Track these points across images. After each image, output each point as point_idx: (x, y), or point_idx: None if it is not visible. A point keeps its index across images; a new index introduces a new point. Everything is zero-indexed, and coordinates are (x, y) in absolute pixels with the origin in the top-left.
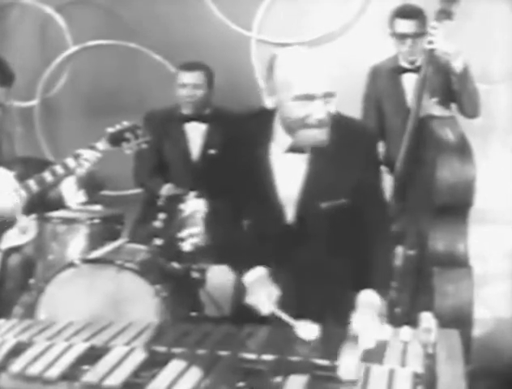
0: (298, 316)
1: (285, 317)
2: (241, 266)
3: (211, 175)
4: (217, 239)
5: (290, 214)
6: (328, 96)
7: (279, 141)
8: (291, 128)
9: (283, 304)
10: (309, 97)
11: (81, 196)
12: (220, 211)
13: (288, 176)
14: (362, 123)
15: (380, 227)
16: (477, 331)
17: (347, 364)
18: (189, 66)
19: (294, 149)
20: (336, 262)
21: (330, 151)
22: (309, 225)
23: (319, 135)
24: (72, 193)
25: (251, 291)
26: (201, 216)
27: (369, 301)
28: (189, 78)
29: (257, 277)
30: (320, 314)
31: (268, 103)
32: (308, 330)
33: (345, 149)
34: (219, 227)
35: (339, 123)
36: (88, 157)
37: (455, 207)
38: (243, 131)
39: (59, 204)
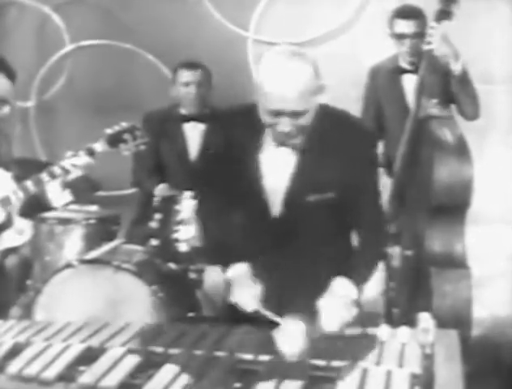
0: (283, 311)
1: (270, 315)
2: (229, 263)
3: (205, 173)
4: (207, 237)
5: (277, 208)
6: (296, 114)
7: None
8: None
9: (268, 298)
10: (276, 112)
11: (67, 196)
12: (210, 209)
13: (278, 169)
14: (359, 120)
15: (369, 225)
16: (475, 332)
17: (292, 342)
18: (191, 65)
19: (283, 144)
20: (321, 256)
21: (322, 144)
22: (295, 219)
23: (289, 141)
24: (57, 194)
25: (234, 289)
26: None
27: (341, 288)
28: (191, 76)
29: (239, 274)
30: (306, 307)
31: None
32: (290, 344)
33: (338, 144)
34: (208, 225)
35: (331, 117)
36: (78, 163)
37: (453, 207)
38: (235, 126)
39: (46, 206)
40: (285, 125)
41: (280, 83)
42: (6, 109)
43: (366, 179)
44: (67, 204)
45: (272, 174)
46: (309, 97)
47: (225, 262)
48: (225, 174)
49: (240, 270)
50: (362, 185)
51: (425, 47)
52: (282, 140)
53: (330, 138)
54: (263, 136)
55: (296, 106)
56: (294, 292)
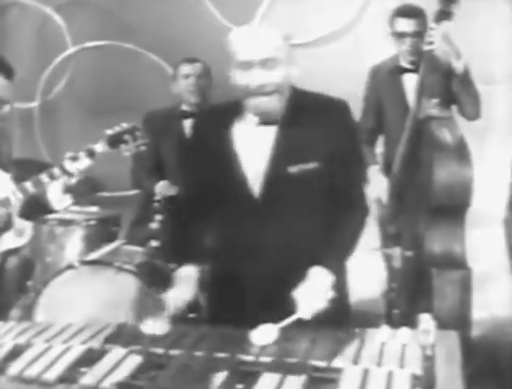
0: (267, 299)
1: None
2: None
3: (183, 164)
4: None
5: (257, 187)
6: (267, 62)
7: (250, 118)
8: (243, 98)
9: (251, 284)
10: (246, 64)
11: (67, 200)
12: (186, 211)
13: (255, 150)
14: (331, 95)
15: (346, 201)
16: (475, 332)
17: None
18: (191, 59)
19: (263, 122)
20: (306, 237)
21: (299, 118)
22: (276, 196)
23: (267, 103)
24: (57, 197)
25: (173, 287)
26: None
27: (317, 275)
28: (191, 68)
29: (183, 275)
30: (288, 291)
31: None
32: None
33: (315, 116)
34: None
35: (304, 95)
36: (78, 164)
37: (453, 208)
38: (210, 117)
39: (47, 208)
40: (258, 78)
41: (250, 34)
42: (6, 109)
43: (346, 147)
44: (67, 207)
45: (251, 156)
46: (279, 51)
47: (184, 260)
48: (204, 165)
49: (187, 271)
50: (343, 154)
51: (426, 47)
52: (259, 104)
53: (306, 112)
54: (243, 121)
55: (266, 53)
56: (280, 277)
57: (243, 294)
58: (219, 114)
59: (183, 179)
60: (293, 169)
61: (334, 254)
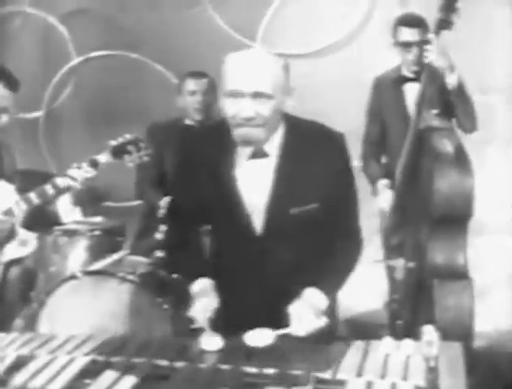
0: (265, 326)
1: (210, 334)
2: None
3: (176, 188)
4: (176, 260)
5: (258, 223)
6: (259, 96)
7: (242, 149)
8: (231, 127)
9: (246, 312)
10: (237, 94)
11: (76, 213)
12: (181, 230)
13: (255, 183)
14: (326, 127)
15: (343, 233)
16: (478, 343)
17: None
18: (197, 74)
19: (255, 155)
20: (304, 271)
21: (296, 155)
22: (277, 233)
23: (251, 134)
24: (67, 209)
25: (192, 303)
26: None
27: (311, 295)
28: (198, 85)
29: (200, 288)
30: (283, 317)
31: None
32: (211, 341)
33: (311, 153)
34: (179, 248)
35: (300, 127)
36: (76, 176)
37: (454, 218)
38: (201, 144)
39: (55, 220)
40: (247, 109)
41: (244, 63)
42: (5, 118)
43: (345, 185)
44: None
45: (250, 189)
46: (273, 85)
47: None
48: (199, 193)
49: (202, 283)
50: (342, 192)
51: (424, 59)
52: (243, 133)
53: (303, 148)
54: (237, 152)
55: (259, 87)
56: (276, 306)
57: (235, 324)
58: (219, 133)
59: (179, 194)
60: (294, 211)
61: (329, 281)
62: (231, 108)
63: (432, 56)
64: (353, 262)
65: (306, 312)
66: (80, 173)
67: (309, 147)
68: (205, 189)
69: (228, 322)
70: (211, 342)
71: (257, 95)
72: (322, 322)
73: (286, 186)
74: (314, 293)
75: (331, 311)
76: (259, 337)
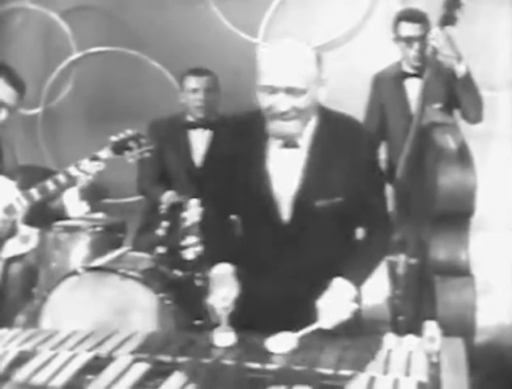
0: (284, 315)
1: (224, 326)
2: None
3: (210, 181)
4: (210, 244)
5: (285, 212)
6: (292, 91)
7: (274, 140)
8: (266, 119)
9: (270, 302)
10: (271, 89)
11: (84, 207)
12: (215, 216)
13: (285, 173)
14: (359, 122)
15: (374, 224)
16: (480, 339)
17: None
18: (198, 71)
19: (286, 145)
20: (326, 259)
21: (326, 148)
22: (303, 223)
23: (286, 128)
24: (74, 204)
25: (212, 288)
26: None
27: (340, 286)
28: (200, 82)
29: (220, 274)
30: (308, 308)
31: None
32: (224, 337)
33: (342, 147)
34: (213, 232)
35: (333, 120)
36: (88, 169)
37: (456, 215)
38: (240, 134)
39: (61, 214)
40: (282, 104)
41: (279, 58)
42: (3, 115)
43: (372, 181)
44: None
45: (279, 180)
46: (307, 79)
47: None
48: (231, 182)
49: (222, 269)
50: (368, 188)
51: (429, 52)
52: (278, 127)
53: (334, 141)
54: (268, 142)
55: (293, 82)
56: (297, 295)
57: (257, 312)
58: (246, 126)
59: (210, 188)
60: (320, 203)
61: (359, 270)
62: (266, 101)
63: (440, 47)
64: (385, 251)
65: (335, 304)
66: (92, 166)
67: (340, 140)
68: (237, 178)
69: (248, 313)
70: (225, 337)
71: (290, 90)
72: (351, 311)
73: (313, 178)
74: (343, 283)
75: (357, 302)
76: (282, 343)
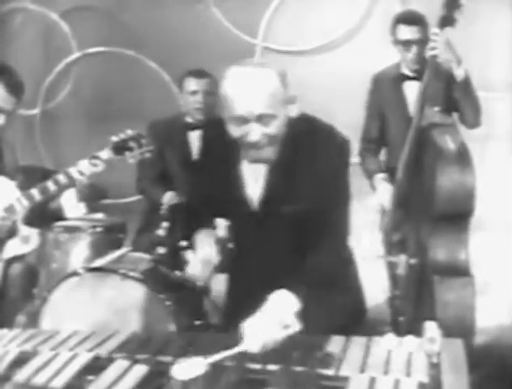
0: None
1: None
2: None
3: (192, 177)
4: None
5: (256, 213)
6: (263, 117)
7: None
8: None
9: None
10: (242, 119)
11: (81, 208)
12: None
13: (254, 181)
14: (332, 131)
15: (324, 242)
16: (479, 340)
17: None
18: (198, 73)
19: (257, 161)
20: (288, 267)
21: (294, 155)
22: (272, 227)
23: (260, 155)
24: (72, 205)
25: (191, 258)
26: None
27: (277, 302)
28: (199, 84)
29: (204, 236)
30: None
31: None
32: (187, 369)
33: (310, 154)
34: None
35: (303, 126)
36: (87, 170)
37: (456, 215)
38: (219, 132)
39: (59, 215)
40: (253, 133)
41: (245, 87)
42: (1, 120)
43: (333, 194)
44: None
45: (250, 184)
46: (276, 103)
47: None
48: (208, 181)
49: (206, 233)
50: (330, 197)
51: (429, 53)
52: (253, 155)
53: (301, 148)
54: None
55: (263, 109)
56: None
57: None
58: (225, 131)
59: (189, 188)
60: (286, 209)
61: (306, 281)
62: (236, 131)
63: (439, 50)
64: (333, 267)
65: (265, 324)
66: (89, 166)
67: (308, 148)
68: (212, 183)
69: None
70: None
71: (261, 117)
72: (285, 328)
73: (279, 185)
74: (283, 297)
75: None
76: (189, 370)
